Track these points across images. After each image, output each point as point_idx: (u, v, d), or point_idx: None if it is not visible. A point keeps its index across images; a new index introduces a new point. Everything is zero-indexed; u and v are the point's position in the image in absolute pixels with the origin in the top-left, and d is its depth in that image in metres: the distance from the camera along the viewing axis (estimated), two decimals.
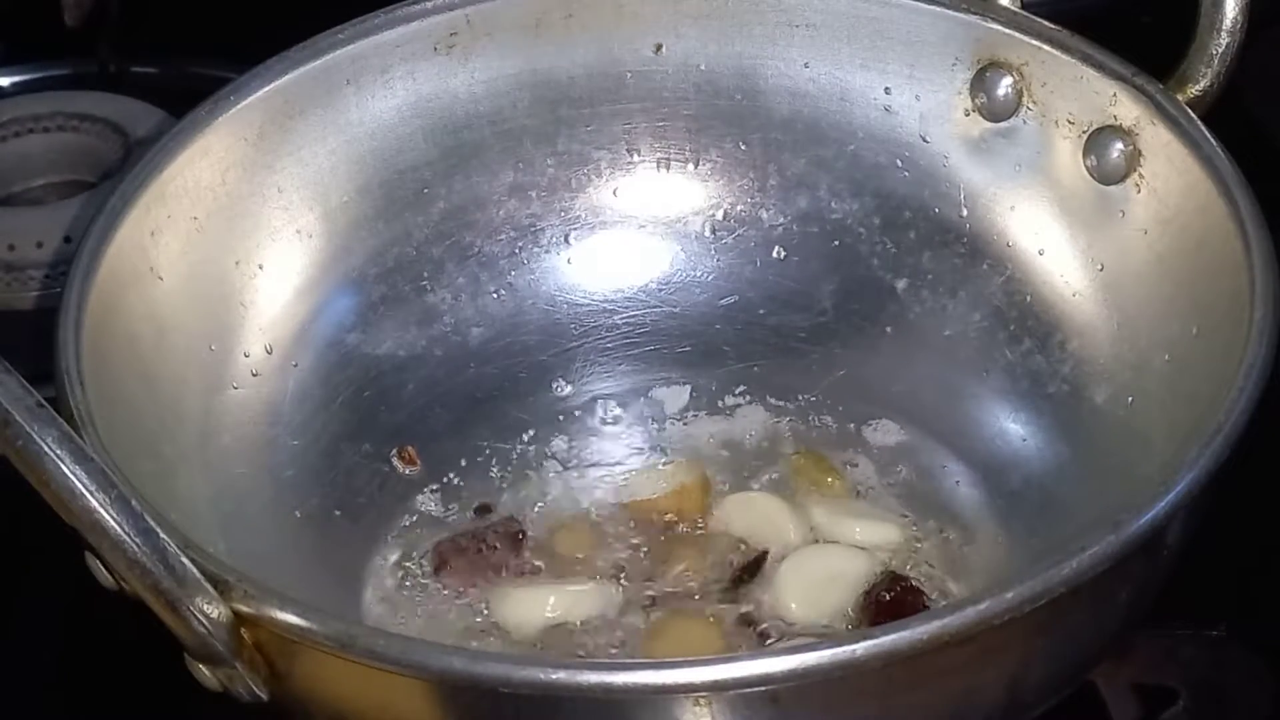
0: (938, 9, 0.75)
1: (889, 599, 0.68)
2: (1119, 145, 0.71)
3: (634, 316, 0.79)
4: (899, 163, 0.77)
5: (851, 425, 0.76)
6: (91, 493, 0.55)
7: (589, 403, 0.78)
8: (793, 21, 0.77)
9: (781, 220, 0.79)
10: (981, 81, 0.75)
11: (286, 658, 0.58)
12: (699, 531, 0.72)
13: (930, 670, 0.56)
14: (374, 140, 0.76)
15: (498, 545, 0.72)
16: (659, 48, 0.78)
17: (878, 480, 0.74)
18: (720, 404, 0.77)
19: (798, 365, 0.77)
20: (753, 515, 0.72)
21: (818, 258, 0.78)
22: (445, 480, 0.75)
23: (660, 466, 0.75)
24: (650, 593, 0.70)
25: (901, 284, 0.77)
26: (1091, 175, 0.72)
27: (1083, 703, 0.67)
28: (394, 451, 0.75)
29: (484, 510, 0.74)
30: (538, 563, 0.72)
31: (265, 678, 0.58)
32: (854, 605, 0.69)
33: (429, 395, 0.76)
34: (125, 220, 0.68)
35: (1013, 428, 0.74)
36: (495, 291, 0.78)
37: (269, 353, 0.73)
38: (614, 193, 0.79)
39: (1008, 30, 0.74)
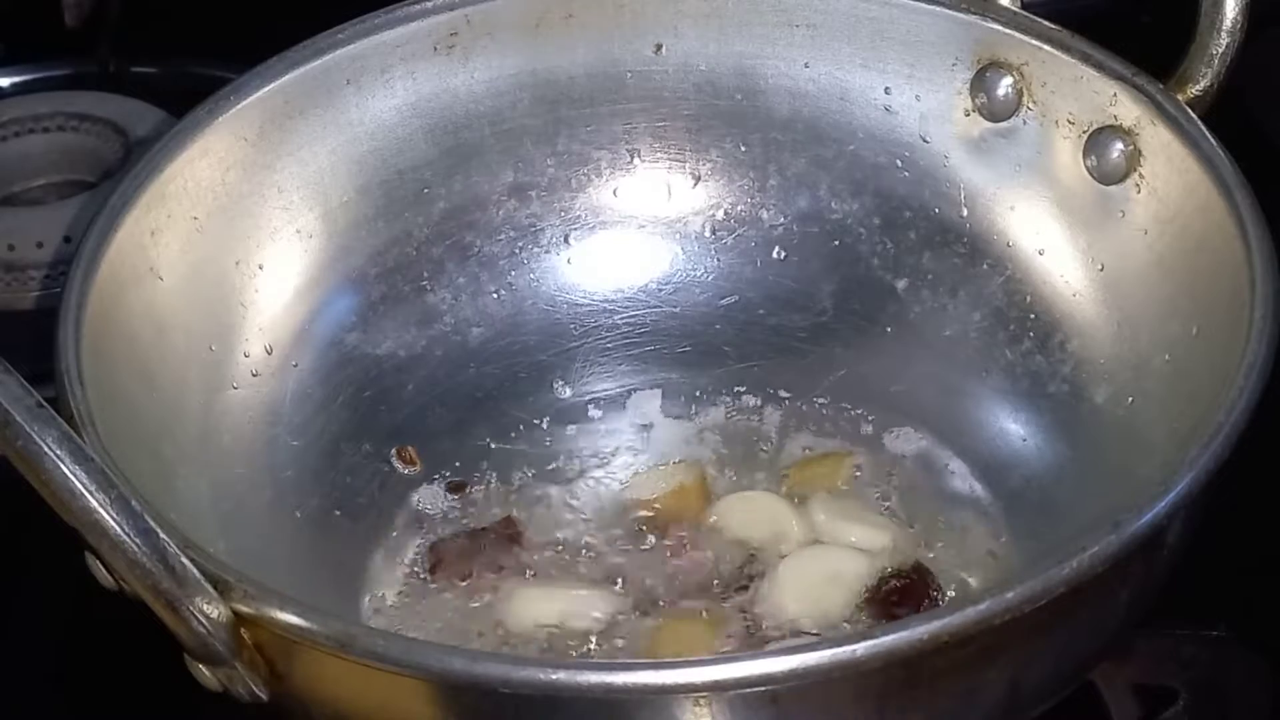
0: (938, 9, 0.75)
1: (899, 586, 0.68)
2: (1119, 145, 0.71)
3: (634, 316, 0.79)
4: (899, 163, 0.77)
5: (851, 425, 0.76)
6: (91, 493, 0.55)
7: (589, 403, 0.78)
8: (793, 21, 0.77)
9: (781, 220, 0.79)
10: (981, 81, 0.75)
11: (286, 658, 0.58)
12: (698, 532, 0.72)
13: (930, 670, 0.56)
14: (374, 140, 0.76)
15: (494, 545, 0.72)
16: (659, 48, 0.78)
17: (877, 480, 0.74)
18: (720, 404, 0.77)
19: (798, 365, 0.77)
20: (752, 515, 0.72)
21: (818, 258, 0.78)
22: (445, 480, 0.75)
23: (660, 467, 0.75)
24: (650, 593, 0.70)
25: (902, 284, 0.77)
26: (1091, 175, 0.72)
27: (1083, 703, 0.67)
28: (394, 451, 0.75)
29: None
30: (535, 563, 0.71)
31: (265, 678, 0.58)
32: (858, 601, 0.69)
33: (429, 395, 0.76)
34: (125, 220, 0.68)
35: (1013, 428, 0.74)
36: (495, 291, 0.78)
37: (269, 353, 0.73)
38: (614, 193, 0.80)
39: (1008, 30, 0.74)
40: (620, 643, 0.68)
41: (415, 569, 0.72)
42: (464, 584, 0.71)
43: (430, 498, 0.74)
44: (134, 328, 0.68)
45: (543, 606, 0.69)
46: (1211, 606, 0.72)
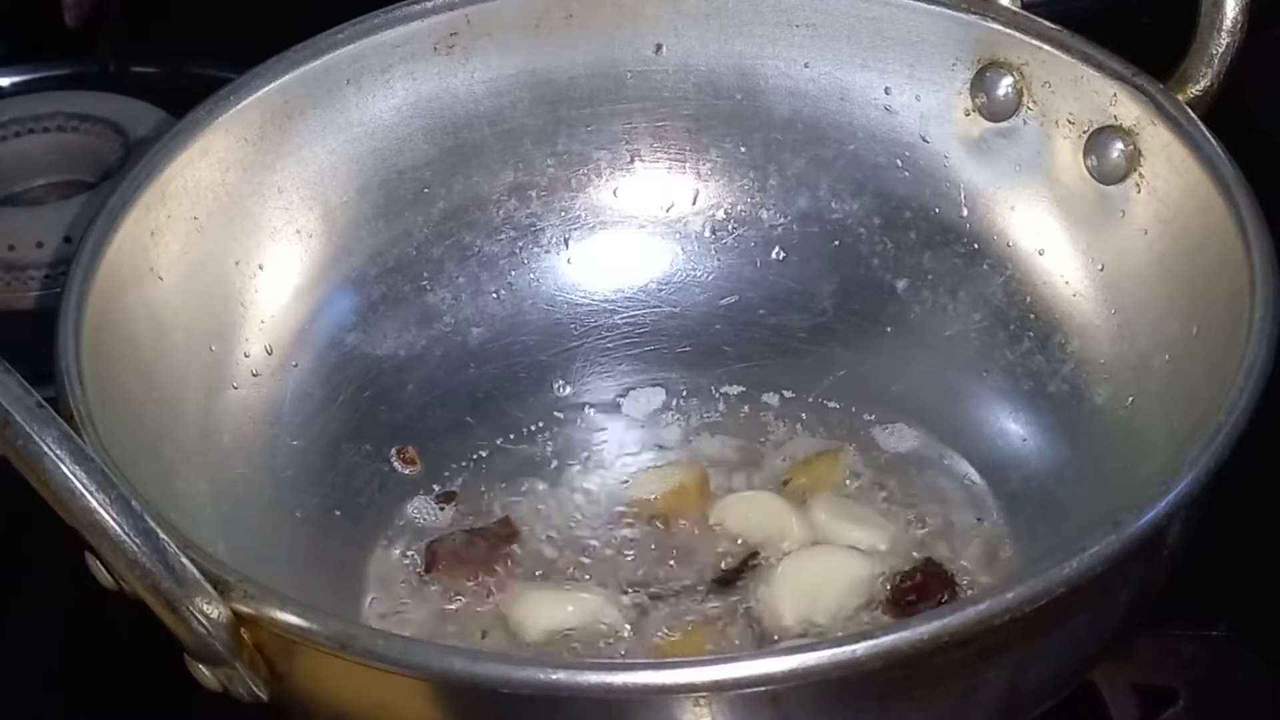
0: (938, 9, 0.75)
1: (914, 584, 0.68)
2: (1119, 145, 0.71)
3: (634, 316, 0.79)
4: (899, 163, 0.77)
5: (851, 425, 0.76)
6: (91, 493, 0.55)
7: (589, 403, 0.78)
8: (793, 21, 0.77)
9: (781, 220, 0.79)
10: (981, 81, 0.75)
11: (286, 658, 0.58)
12: (699, 531, 0.72)
13: (930, 670, 0.56)
14: (374, 140, 0.76)
15: (491, 545, 0.72)
16: (659, 48, 0.78)
17: (878, 480, 0.74)
18: (720, 404, 0.77)
19: (798, 365, 0.77)
20: (753, 515, 0.72)
21: (818, 258, 0.78)
22: (445, 480, 0.75)
23: (660, 466, 0.75)
24: (649, 593, 0.70)
25: (902, 284, 0.77)
26: (1091, 175, 0.72)
27: (1083, 703, 0.67)
28: (394, 451, 0.75)
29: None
30: (534, 563, 0.71)
31: (265, 678, 0.58)
32: (864, 603, 0.69)
33: (429, 395, 0.76)
34: (125, 220, 0.68)
35: (1013, 428, 0.74)
36: (495, 291, 0.78)
37: (269, 353, 0.73)
38: (614, 193, 0.80)
39: (1008, 30, 0.74)
40: (618, 643, 0.68)
41: (415, 569, 0.72)
42: (463, 584, 0.71)
43: (422, 509, 0.74)
44: (134, 328, 0.68)
45: (542, 607, 0.69)
46: (1211, 606, 0.72)
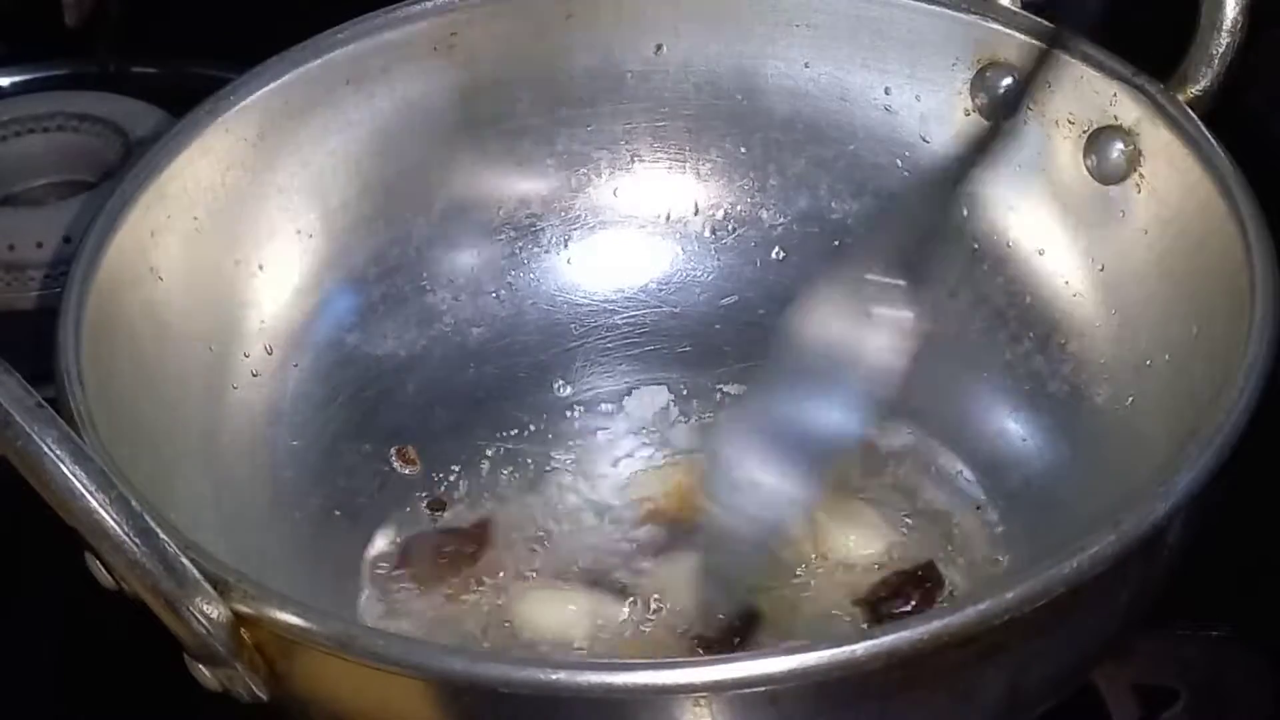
0: (938, 9, 0.75)
1: (912, 583, 0.68)
2: (1119, 145, 0.71)
3: (634, 316, 0.79)
4: (899, 163, 0.77)
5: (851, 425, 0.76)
6: (91, 493, 0.55)
7: (589, 403, 0.78)
8: (793, 21, 0.77)
9: (781, 220, 0.79)
10: (981, 81, 0.75)
11: (286, 658, 0.58)
12: (698, 531, 0.72)
13: (930, 670, 0.55)
14: (374, 140, 0.76)
15: (462, 547, 0.71)
16: (659, 48, 0.78)
17: (877, 480, 0.74)
18: (720, 404, 0.77)
19: None
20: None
21: (818, 258, 0.78)
22: (445, 480, 0.75)
23: (659, 466, 0.75)
24: (648, 592, 0.70)
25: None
26: (1091, 175, 0.72)
27: (1083, 703, 0.67)
28: (394, 451, 0.75)
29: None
30: (530, 563, 0.71)
31: (265, 678, 0.58)
32: (862, 603, 0.69)
33: (429, 395, 0.76)
34: (125, 220, 0.68)
35: (1013, 428, 0.74)
36: (495, 291, 0.78)
37: (269, 353, 0.73)
38: (614, 193, 0.80)
39: (1008, 30, 0.74)
40: (619, 643, 0.68)
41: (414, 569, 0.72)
42: (422, 583, 0.70)
43: (421, 509, 0.74)
44: (134, 328, 0.68)
45: (542, 607, 0.69)
46: (1211, 606, 0.72)
